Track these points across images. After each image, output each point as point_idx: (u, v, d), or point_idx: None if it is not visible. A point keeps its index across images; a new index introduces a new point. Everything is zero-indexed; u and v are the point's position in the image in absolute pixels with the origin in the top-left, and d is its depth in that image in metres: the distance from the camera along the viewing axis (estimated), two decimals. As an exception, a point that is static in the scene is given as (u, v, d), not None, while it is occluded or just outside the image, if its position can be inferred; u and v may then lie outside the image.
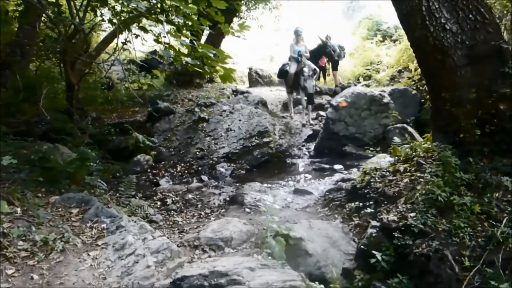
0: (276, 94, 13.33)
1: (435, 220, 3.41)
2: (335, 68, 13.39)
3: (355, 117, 8.42)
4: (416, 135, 7.58)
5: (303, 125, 10.20)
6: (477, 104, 3.94)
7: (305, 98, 10.07)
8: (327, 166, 7.69)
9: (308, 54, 10.97)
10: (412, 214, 3.57)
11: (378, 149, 7.52)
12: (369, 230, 3.69)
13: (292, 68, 10.47)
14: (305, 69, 9.96)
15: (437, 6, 3.92)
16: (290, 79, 10.53)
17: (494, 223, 3.23)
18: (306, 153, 8.62)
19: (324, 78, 14.10)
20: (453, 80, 4.10)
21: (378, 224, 3.71)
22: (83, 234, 3.72)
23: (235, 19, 13.89)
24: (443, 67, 4.11)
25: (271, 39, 22.48)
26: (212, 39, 12.74)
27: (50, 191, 4.61)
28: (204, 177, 7.24)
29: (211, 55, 4.25)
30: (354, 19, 23.48)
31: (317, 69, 10.68)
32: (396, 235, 3.45)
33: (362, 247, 3.63)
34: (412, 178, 4.31)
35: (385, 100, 8.44)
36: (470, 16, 3.92)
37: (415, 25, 4.15)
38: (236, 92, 12.58)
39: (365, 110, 8.41)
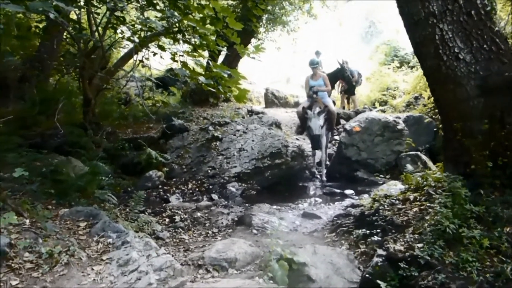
0: (291, 115, 13.35)
1: (443, 252, 3.36)
2: (352, 92, 13.39)
3: (368, 142, 8.39)
4: (430, 163, 7.50)
5: (314, 175, 8.83)
6: (489, 135, 3.90)
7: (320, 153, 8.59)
8: (338, 190, 7.64)
9: (328, 87, 9.25)
10: (419, 245, 3.53)
11: (388, 176, 7.47)
12: (375, 259, 3.64)
13: (303, 104, 9.07)
14: (313, 106, 8.52)
15: (450, 36, 3.93)
16: (299, 117, 9.24)
17: (504, 259, 3.17)
18: (318, 176, 8.57)
19: (348, 103, 14.01)
20: (465, 111, 4.07)
21: (384, 253, 3.66)
22: (89, 248, 3.73)
23: (253, 40, 14.09)
24: (455, 97, 4.10)
25: (288, 60, 22.68)
26: (229, 60, 12.93)
27: (60, 204, 4.66)
28: (215, 196, 7.24)
29: (225, 75, 4.30)
30: (372, 44, 23.63)
31: (331, 105, 9.03)
32: (402, 266, 3.40)
33: (367, 275, 3.57)
34: (422, 207, 4.25)
35: (399, 127, 8.40)
36: (485, 46, 3.92)
37: (427, 54, 4.16)
38: (251, 112, 12.65)
39: (378, 136, 8.37)
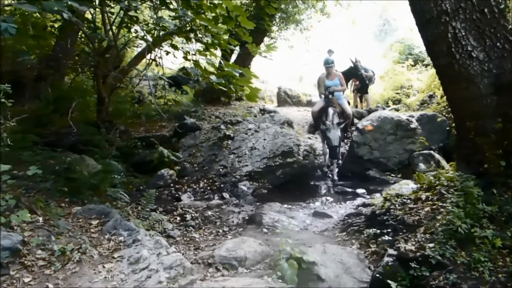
0: (304, 114, 13.33)
1: (454, 252, 3.34)
2: (365, 91, 13.29)
3: (380, 141, 8.32)
4: (444, 162, 7.41)
5: (325, 174, 8.68)
6: (502, 134, 3.84)
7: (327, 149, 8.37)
8: (350, 189, 7.61)
9: (344, 87, 9.13)
10: (431, 245, 3.51)
11: (399, 175, 7.42)
12: (386, 259, 3.62)
13: (318, 105, 8.89)
14: (330, 111, 8.27)
15: (463, 34, 3.88)
16: (314, 117, 9.07)
17: (516, 259, 3.13)
18: (330, 175, 8.53)
19: (361, 101, 13.90)
20: (478, 109, 4.02)
21: (395, 253, 3.64)
22: (101, 245, 3.78)
23: (266, 39, 14.09)
24: (468, 95, 4.05)
25: (302, 59, 22.60)
26: (242, 59, 12.95)
27: (74, 202, 4.72)
28: (226, 195, 7.26)
29: (237, 74, 4.32)
30: (386, 42, 23.41)
31: (347, 106, 8.90)
32: (412, 266, 3.38)
33: (377, 275, 3.56)
34: (434, 207, 4.21)
35: (412, 126, 8.32)
36: (498, 44, 3.86)
37: (440, 52, 4.11)
38: (263, 111, 12.65)
39: (390, 134, 8.30)
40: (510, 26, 3.88)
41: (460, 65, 3.95)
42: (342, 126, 8.24)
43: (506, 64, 3.85)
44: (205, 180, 7.92)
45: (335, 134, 8.02)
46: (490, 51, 3.86)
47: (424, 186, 4.85)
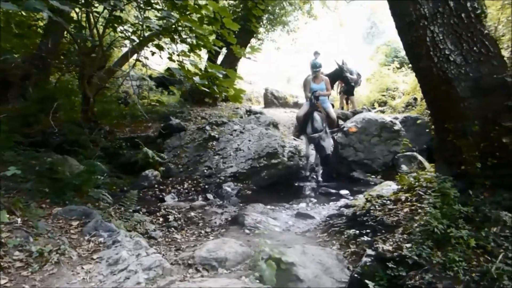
0: (290, 116, 13.38)
1: (431, 252, 3.38)
2: (351, 93, 13.38)
3: (365, 143, 8.41)
4: (426, 163, 7.50)
5: (308, 178, 8.64)
6: (480, 136, 3.90)
7: (315, 154, 8.44)
8: (334, 191, 7.66)
9: (329, 92, 8.97)
10: (408, 245, 3.55)
11: (380, 176, 7.50)
12: (364, 259, 3.66)
13: (303, 110, 8.77)
14: (317, 117, 8.17)
15: (441, 38, 3.93)
16: (299, 121, 8.91)
17: (490, 258, 3.18)
18: (314, 176, 8.58)
19: (347, 103, 13.97)
20: (457, 112, 4.07)
21: (373, 253, 3.68)
22: (80, 247, 3.76)
23: (253, 40, 14.12)
24: (447, 98, 4.10)
25: (290, 60, 22.70)
26: (229, 60, 12.96)
27: (55, 202, 4.69)
28: (210, 196, 7.28)
29: (220, 76, 4.33)
30: (374, 44, 23.63)
31: (331, 110, 8.75)
32: (390, 266, 3.42)
33: (355, 275, 3.59)
34: (412, 208, 4.27)
35: (396, 127, 8.42)
36: (475, 48, 3.91)
37: (419, 56, 4.16)
38: (249, 112, 12.67)
39: (375, 136, 8.40)
40: (486, 31, 3.95)
41: (439, 69, 4.00)
42: (334, 134, 8.23)
43: (483, 68, 3.91)
44: (190, 181, 7.92)
45: (329, 143, 7.97)
46: (467, 55, 3.92)
47: (404, 187, 4.92)
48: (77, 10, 7.52)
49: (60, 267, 3.36)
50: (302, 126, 8.64)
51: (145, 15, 5.91)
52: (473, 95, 3.97)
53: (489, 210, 3.58)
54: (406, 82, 14.73)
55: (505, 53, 4.46)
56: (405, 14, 4.18)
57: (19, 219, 3.76)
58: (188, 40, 5.40)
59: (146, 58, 6.12)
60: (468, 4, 3.91)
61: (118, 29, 6.75)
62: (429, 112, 9.43)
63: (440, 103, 4.29)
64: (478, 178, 3.85)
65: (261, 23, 13.92)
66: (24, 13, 7.49)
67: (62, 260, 3.44)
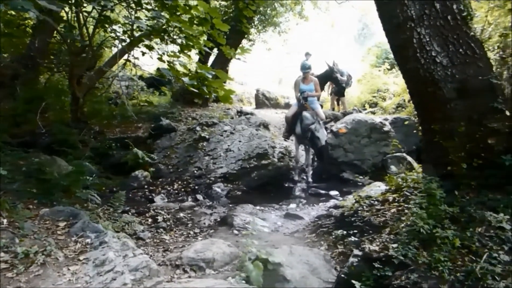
0: (281, 116, 13.36)
1: (417, 252, 3.41)
2: (342, 94, 13.41)
3: (355, 144, 8.44)
4: (415, 164, 7.54)
5: (297, 181, 8.46)
6: (466, 137, 3.95)
7: (305, 154, 8.46)
8: (323, 191, 7.67)
9: (318, 93, 9.01)
10: (394, 245, 3.57)
11: (367, 177, 7.54)
12: (351, 259, 3.69)
13: (291, 110, 8.82)
14: (307, 114, 8.17)
15: (428, 39, 3.97)
16: (288, 122, 8.89)
17: (474, 258, 3.22)
18: (304, 177, 8.60)
19: (338, 104, 14.01)
20: (443, 113, 4.11)
21: (360, 253, 3.70)
22: (67, 248, 3.74)
23: (244, 41, 14.12)
24: (434, 99, 4.14)
25: (281, 61, 22.73)
26: (220, 60, 12.95)
27: (43, 203, 4.66)
28: (200, 196, 7.26)
29: (209, 76, 4.33)
30: (365, 45, 23.71)
31: (320, 111, 8.78)
32: (376, 266, 3.45)
33: (342, 275, 3.62)
34: (399, 208, 4.30)
35: (385, 128, 8.47)
36: (461, 50, 3.96)
37: (406, 57, 4.19)
38: (240, 112, 12.67)
39: (365, 137, 8.43)
40: (472, 33, 3.99)
41: (425, 70, 4.04)
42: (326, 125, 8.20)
43: (468, 70, 3.95)
44: (180, 182, 7.90)
45: (323, 133, 7.99)
46: (453, 57, 3.96)
47: (392, 188, 4.95)
48: (66, 9, 7.48)
49: (46, 269, 3.34)
50: (291, 126, 8.66)
51: (135, 15, 5.89)
52: (459, 96, 4.01)
53: (474, 211, 3.62)
54: (397, 83, 14.77)
55: (491, 55, 4.47)
56: (392, 16, 4.22)
57: (5, 220, 3.74)
58: (178, 40, 5.40)
59: (137, 58, 6.10)
60: (455, 6, 3.96)
61: (108, 29, 6.74)
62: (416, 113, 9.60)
63: (427, 104, 4.33)
64: (464, 179, 3.90)
65: (252, 24, 13.93)
66: (13, 12, 7.46)
67: (48, 261, 3.42)
